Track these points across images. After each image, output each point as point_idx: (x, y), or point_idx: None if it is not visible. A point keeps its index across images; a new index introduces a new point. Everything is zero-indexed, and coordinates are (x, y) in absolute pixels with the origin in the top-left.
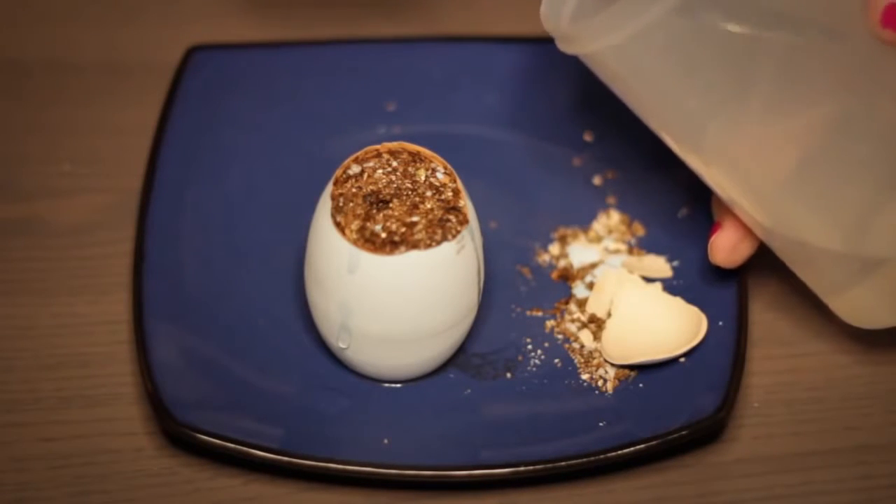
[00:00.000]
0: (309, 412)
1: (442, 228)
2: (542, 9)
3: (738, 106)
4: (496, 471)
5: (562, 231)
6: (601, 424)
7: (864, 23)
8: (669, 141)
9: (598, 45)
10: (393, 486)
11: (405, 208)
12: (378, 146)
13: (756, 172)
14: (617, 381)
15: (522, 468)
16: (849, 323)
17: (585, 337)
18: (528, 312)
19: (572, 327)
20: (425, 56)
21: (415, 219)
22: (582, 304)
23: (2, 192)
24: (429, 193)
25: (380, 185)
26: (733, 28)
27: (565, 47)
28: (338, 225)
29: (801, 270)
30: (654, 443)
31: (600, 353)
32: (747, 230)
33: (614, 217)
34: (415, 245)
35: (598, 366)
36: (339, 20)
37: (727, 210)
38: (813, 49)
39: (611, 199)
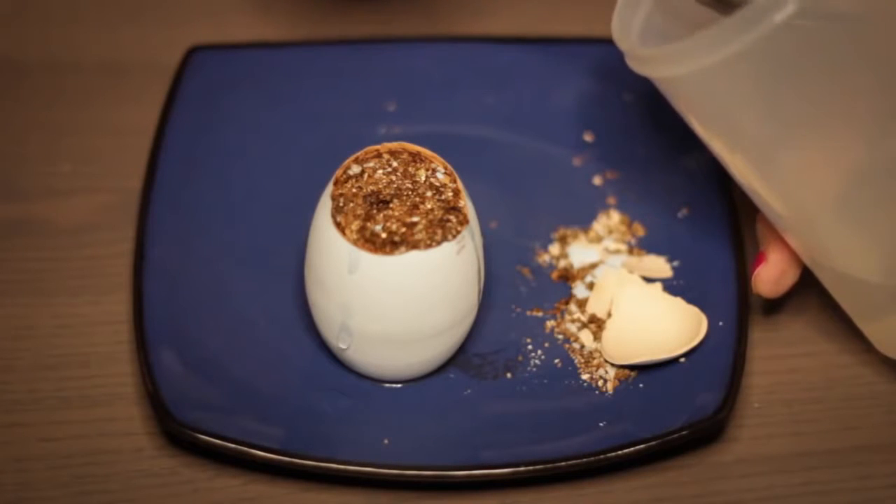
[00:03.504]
0: (309, 412)
1: (442, 228)
2: (614, 24)
3: (811, 133)
4: (496, 471)
5: (562, 231)
6: (601, 424)
7: None
8: (731, 165)
9: (675, 71)
10: (393, 486)
11: (405, 208)
12: (378, 146)
13: (814, 198)
14: (617, 381)
15: (522, 468)
16: (882, 352)
17: (585, 337)
18: (529, 312)
19: (572, 327)
20: (425, 56)
21: (415, 219)
22: (582, 304)
23: (2, 192)
24: (429, 193)
25: (380, 186)
26: (815, 53)
27: (639, 68)
28: (338, 225)
29: (838, 294)
30: (654, 443)
31: (600, 353)
32: (791, 261)
33: (614, 217)
34: (415, 245)
35: (599, 366)
36: (339, 20)
37: (772, 240)
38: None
39: (611, 199)
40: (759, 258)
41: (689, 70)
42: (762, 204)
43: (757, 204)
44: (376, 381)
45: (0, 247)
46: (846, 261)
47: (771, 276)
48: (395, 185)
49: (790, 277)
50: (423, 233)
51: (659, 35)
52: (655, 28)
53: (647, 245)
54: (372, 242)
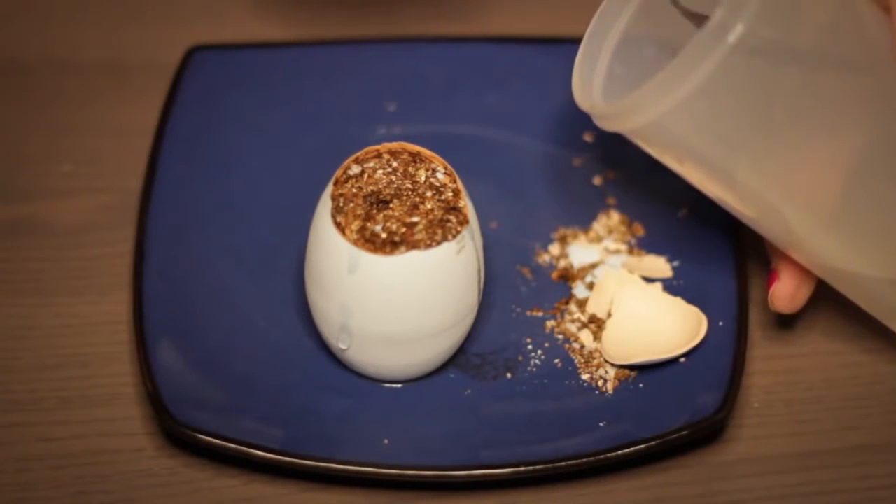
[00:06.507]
0: (309, 412)
1: (442, 228)
2: (574, 85)
3: (784, 150)
4: (496, 471)
5: (562, 231)
6: (601, 424)
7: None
8: (721, 198)
9: (638, 121)
10: (393, 487)
11: (405, 208)
12: (378, 146)
13: (808, 213)
14: (617, 382)
15: (522, 468)
16: None
17: (585, 337)
18: (529, 312)
19: (572, 327)
20: (425, 56)
21: (415, 219)
22: (582, 304)
23: (2, 192)
24: (429, 194)
25: (380, 186)
26: (773, 77)
27: (605, 125)
28: (338, 225)
29: (858, 298)
30: (654, 443)
31: (600, 353)
32: (804, 275)
33: (614, 217)
34: (415, 245)
35: (599, 366)
36: (339, 20)
37: (783, 257)
38: (847, 82)
39: (611, 200)
40: (771, 276)
41: (664, 108)
42: (752, 225)
43: (749, 225)
44: (376, 381)
45: (0, 247)
46: (848, 263)
47: (786, 292)
48: (395, 185)
49: (805, 292)
50: (423, 233)
51: (623, 88)
52: (617, 81)
53: (647, 245)
54: (372, 242)
